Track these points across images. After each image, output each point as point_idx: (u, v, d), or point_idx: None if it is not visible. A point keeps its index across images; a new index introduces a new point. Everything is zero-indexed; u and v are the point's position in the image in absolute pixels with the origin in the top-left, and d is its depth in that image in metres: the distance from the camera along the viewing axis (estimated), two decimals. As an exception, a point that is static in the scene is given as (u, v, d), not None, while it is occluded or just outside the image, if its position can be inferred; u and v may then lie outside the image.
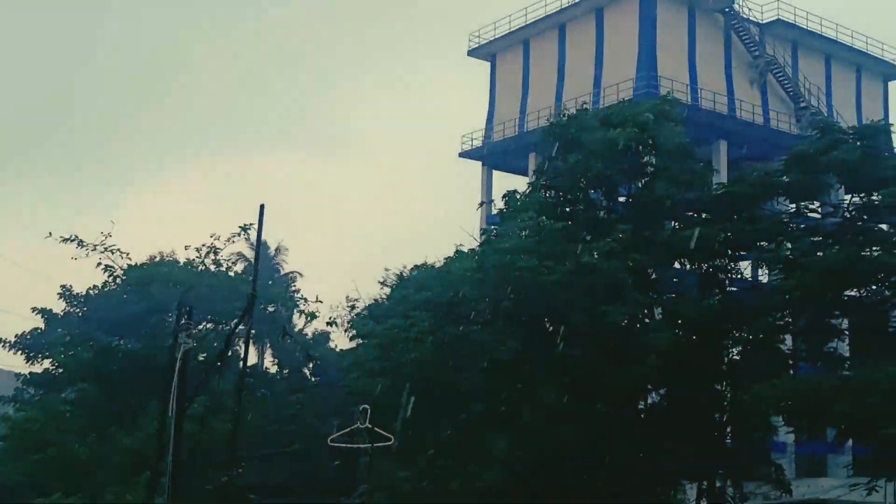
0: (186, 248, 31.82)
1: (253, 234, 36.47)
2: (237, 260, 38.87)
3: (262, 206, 9.46)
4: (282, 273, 47.19)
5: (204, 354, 28.78)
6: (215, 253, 32.04)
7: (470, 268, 20.64)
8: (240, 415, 10.85)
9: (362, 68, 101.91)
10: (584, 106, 25.93)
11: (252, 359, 40.59)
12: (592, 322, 19.87)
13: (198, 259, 32.13)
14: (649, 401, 22.88)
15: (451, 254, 24.09)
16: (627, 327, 19.90)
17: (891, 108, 45.84)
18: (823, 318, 20.40)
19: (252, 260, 45.73)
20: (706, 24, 40.51)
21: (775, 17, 42.01)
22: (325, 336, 36.38)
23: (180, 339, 8.99)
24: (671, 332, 20.14)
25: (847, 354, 21.16)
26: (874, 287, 19.42)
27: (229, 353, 29.85)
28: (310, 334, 36.37)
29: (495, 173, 45.34)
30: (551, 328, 21.07)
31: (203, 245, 31.47)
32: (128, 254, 31.46)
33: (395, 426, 17.99)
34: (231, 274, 33.60)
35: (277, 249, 48.12)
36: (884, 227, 20.56)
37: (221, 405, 20.83)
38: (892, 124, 23.77)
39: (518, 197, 24.17)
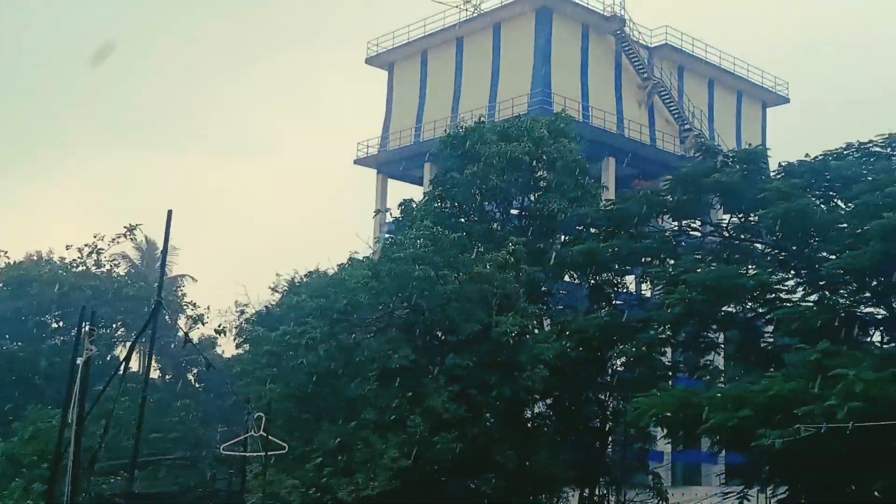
0: (68, 247, 30.84)
1: (139, 236, 35.66)
2: (120, 261, 37.76)
3: (169, 212, 9.24)
4: (170, 275, 46.00)
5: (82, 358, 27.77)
6: (98, 254, 31.14)
7: (365, 276, 20.66)
8: (141, 424, 10.54)
9: (260, 72, 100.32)
10: (481, 118, 26.39)
11: (134, 363, 39.47)
12: (484, 332, 20.20)
13: (79, 259, 31.13)
14: (536, 409, 23.41)
15: (345, 261, 24.08)
16: (518, 338, 20.29)
17: (768, 133, 48.30)
18: (702, 333, 21.27)
19: (136, 262, 44.54)
20: (598, 45, 41.75)
21: (663, 42, 43.69)
22: (211, 341, 35.71)
23: (83, 344, 8.70)
24: (559, 343, 20.65)
25: (722, 367, 22.16)
26: (749, 304, 20.34)
27: (108, 358, 28.98)
28: (196, 339, 35.65)
29: (390, 181, 45.50)
30: (444, 337, 21.31)
31: (86, 245, 30.57)
32: (6, 252, 30.26)
33: (285, 434, 17.86)
34: (114, 275, 32.68)
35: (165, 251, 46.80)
36: (759, 246, 21.63)
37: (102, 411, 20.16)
38: (769, 149, 25.00)
39: (414, 206, 24.38)
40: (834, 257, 17.16)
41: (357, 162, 46.11)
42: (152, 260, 46.84)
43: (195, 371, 34.97)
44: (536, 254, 23.18)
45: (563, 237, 24.66)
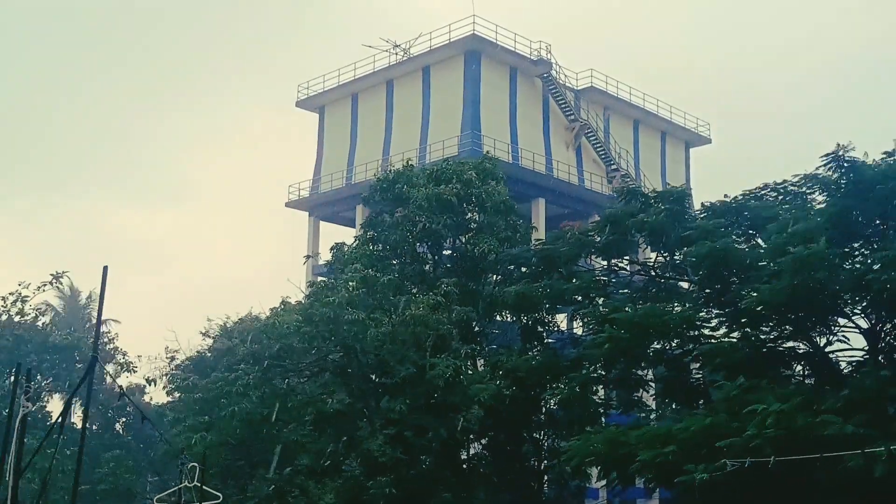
0: (-8, 296, 30.19)
1: (65, 283, 34.88)
2: (45, 309, 36.91)
3: (105, 268, 9.19)
4: (93, 321, 44.96)
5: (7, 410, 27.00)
6: (23, 302, 30.48)
7: (297, 320, 20.63)
8: (77, 480, 10.34)
9: (190, 116, 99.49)
10: (411, 161, 26.71)
11: (57, 411, 38.35)
12: (419, 374, 20.30)
13: (2, 308, 30.42)
14: (472, 450, 23.48)
15: (277, 305, 23.98)
16: (452, 379, 20.43)
17: (692, 172, 49.70)
18: (632, 370, 21.64)
19: (60, 310, 43.45)
20: (526, 88, 42.64)
21: (589, 85, 44.81)
22: (140, 389, 34.96)
23: (19, 402, 8.54)
24: (494, 383, 20.83)
25: (653, 403, 22.56)
26: (675, 341, 20.81)
27: (33, 408, 28.21)
28: (125, 386, 34.85)
29: (322, 224, 45.47)
30: (379, 380, 21.33)
31: (10, 293, 29.94)
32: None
33: (219, 482, 17.62)
34: (40, 324, 32.02)
35: (89, 298, 45.92)
36: (685, 284, 22.20)
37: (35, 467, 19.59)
38: (691, 188, 25.77)
39: (346, 249, 24.47)
40: (755, 294, 17.69)
41: (288, 205, 46.02)
42: (76, 308, 45.85)
43: (123, 421, 34.21)
44: (468, 294, 23.44)
45: (494, 277, 24.98)
